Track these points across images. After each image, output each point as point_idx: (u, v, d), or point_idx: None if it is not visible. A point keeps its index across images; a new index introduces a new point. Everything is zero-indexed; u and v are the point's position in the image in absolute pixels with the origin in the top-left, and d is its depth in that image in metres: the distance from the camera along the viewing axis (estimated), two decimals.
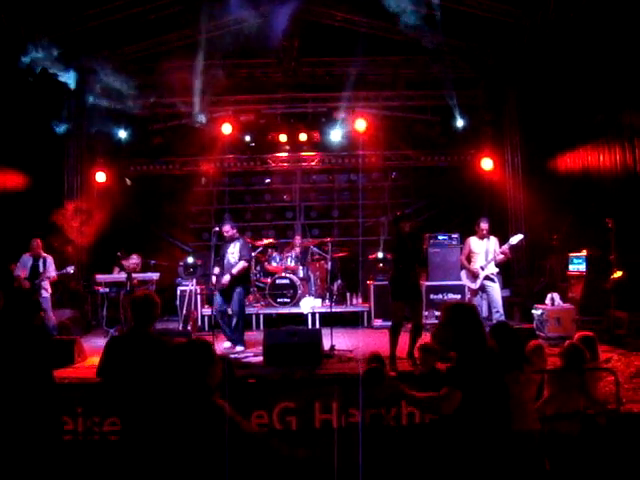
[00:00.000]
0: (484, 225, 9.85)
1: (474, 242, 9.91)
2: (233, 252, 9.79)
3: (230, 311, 9.77)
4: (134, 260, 11.90)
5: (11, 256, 10.42)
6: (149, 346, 4.50)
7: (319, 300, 12.58)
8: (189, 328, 11.26)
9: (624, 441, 5.29)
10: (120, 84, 13.91)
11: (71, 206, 13.23)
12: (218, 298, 9.80)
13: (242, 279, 9.91)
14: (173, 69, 13.75)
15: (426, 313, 11.45)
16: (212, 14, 12.15)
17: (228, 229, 9.93)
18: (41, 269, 10.35)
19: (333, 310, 11.13)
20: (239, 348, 9.49)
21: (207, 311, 11.82)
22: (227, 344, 9.76)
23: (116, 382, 4.51)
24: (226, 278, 9.61)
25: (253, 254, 13.06)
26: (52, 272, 10.47)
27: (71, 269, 11.06)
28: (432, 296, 11.65)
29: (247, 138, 14.93)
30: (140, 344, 4.53)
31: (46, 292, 10.34)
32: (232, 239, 9.90)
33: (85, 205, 13.55)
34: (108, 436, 6.35)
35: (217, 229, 10.18)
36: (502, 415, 3.79)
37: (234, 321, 9.62)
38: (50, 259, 10.56)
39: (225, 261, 9.81)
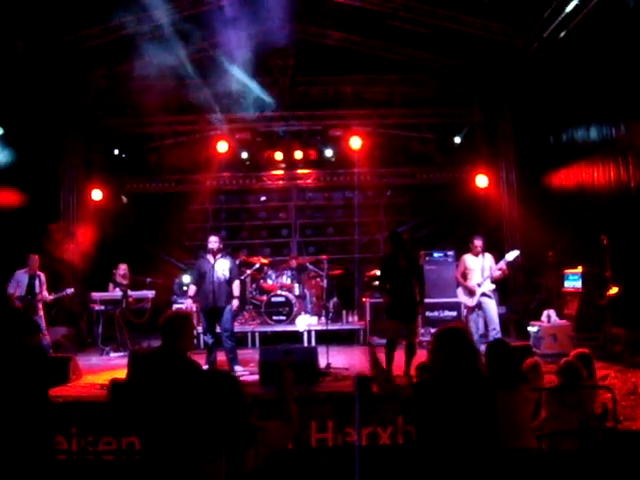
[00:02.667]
0: (478, 242, 9.86)
1: (469, 259, 9.91)
2: (224, 268, 9.31)
3: (219, 329, 9.39)
4: (122, 271, 11.91)
5: (6, 274, 10.36)
6: (176, 366, 4.46)
7: (315, 318, 12.56)
8: None
9: (623, 459, 5.27)
10: (116, 102, 14.01)
11: (66, 224, 13.24)
12: (209, 319, 9.42)
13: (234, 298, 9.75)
14: (170, 87, 13.84)
15: (422, 330, 11.46)
16: (208, 33, 12.24)
17: (217, 240, 9.46)
18: (37, 288, 10.30)
19: (329, 328, 11.09)
20: (238, 368, 9.31)
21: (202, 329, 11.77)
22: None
23: (138, 401, 4.47)
24: (235, 303, 9.28)
25: (249, 271, 13.08)
26: (45, 291, 10.44)
27: (70, 291, 11.05)
28: (428, 313, 11.66)
29: (243, 156, 14.95)
30: (167, 364, 4.48)
31: (40, 311, 10.29)
32: (216, 253, 9.39)
33: (80, 223, 13.57)
34: (102, 456, 6.30)
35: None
36: (488, 435, 3.75)
37: (228, 342, 9.24)
38: (43, 277, 10.51)
39: (214, 278, 9.22)
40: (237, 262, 10.13)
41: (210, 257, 9.41)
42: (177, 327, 4.56)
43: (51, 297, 10.49)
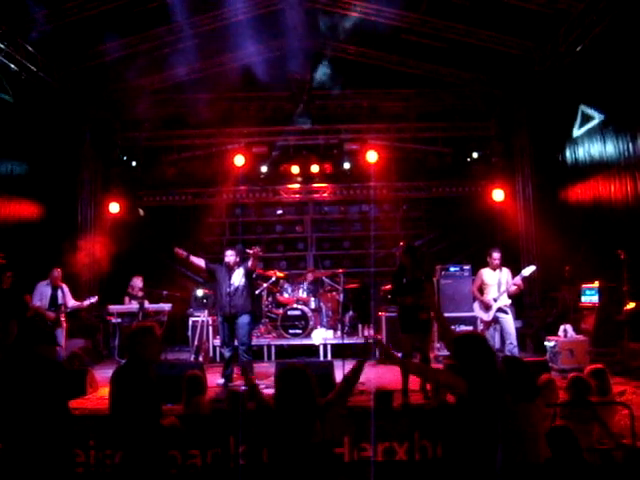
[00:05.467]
0: (496, 255, 9.77)
1: (487, 273, 9.85)
2: (239, 276, 9.51)
3: (236, 342, 9.51)
4: (137, 283, 12.00)
5: (25, 286, 10.44)
6: (139, 377, 4.54)
7: (331, 331, 12.55)
8: (200, 359, 11.27)
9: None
10: (134, 115, 14.14)
11: (83, 237, 13.36)
12: (227, 330, 9.56)
13: (252, 309, 9.86)
14: (188, 101, 13.97)
15: (438, 345, 11.41)
16: (227, 47, 12.36)
17: (233, 253, 9.64)
18: (60, 300, 10.36)
19: (345, 341, 11.09)
20: None
21: (219, 342, 11.80)
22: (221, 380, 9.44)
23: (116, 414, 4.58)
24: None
25: (265, 285, 13.09)
26: (70, 301, 10.51)
27: (94, 299, 11.08)
28: None
29: (260, 169, 14.98)
30: (130, 376, 4.58)
31: (64, 323, 10.38)
32: (232, 267, 9.57)
33: (98, 235, 13.69)
34: None
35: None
36: (511, 444, 3.77)
37: (245, 356, 9.32)
38: (66, 288, 10.60)
39: (230, 287, 9.40)
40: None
41: (224, 271, 9.59)
42: (139, 339, 4.62)
43: (71, 305, 10.54)
